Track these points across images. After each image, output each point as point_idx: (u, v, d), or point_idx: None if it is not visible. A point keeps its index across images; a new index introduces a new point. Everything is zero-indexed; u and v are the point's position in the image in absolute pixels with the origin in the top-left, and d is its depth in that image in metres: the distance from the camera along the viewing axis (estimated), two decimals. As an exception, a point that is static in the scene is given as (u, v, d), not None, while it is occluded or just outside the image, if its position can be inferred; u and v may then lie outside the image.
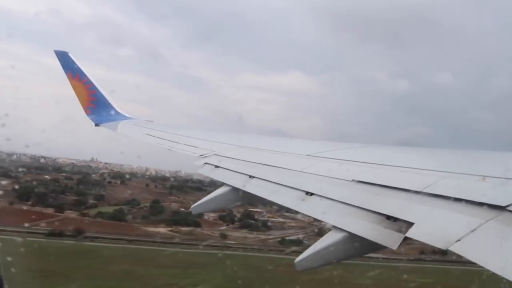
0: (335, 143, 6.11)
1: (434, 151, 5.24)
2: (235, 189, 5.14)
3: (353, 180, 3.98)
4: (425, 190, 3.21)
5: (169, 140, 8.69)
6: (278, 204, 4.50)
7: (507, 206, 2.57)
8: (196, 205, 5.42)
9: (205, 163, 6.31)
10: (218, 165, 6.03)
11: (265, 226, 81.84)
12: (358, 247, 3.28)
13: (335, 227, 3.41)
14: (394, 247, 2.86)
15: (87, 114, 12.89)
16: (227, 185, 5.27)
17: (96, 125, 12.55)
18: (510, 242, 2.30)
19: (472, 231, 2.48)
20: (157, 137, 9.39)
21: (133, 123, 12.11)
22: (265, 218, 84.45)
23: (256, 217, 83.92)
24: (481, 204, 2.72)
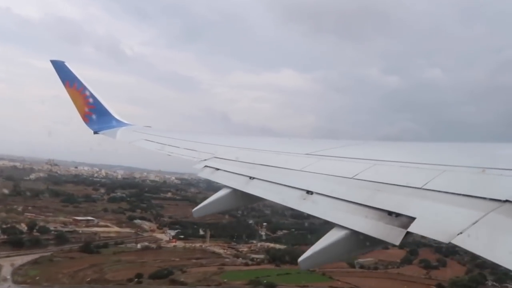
0: (333, 141, 6.11)
1: (432, 145, 5.24)
2: (236, 191, 5.14)
3: (353, 177, 3.98)
4: (425, 185, 3.21)
5: (169, 145, 8.69)
6: (279, 204, 4.50)
7: (508, 197, 2.57)
8: (197, 209, 5.41)
9: (205, 166, 6.31)
10: (218, 167, 6.03)
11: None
12: (361, 244, 3.28)
13: (337, 225, 3.41)
14: (397, 242, 2.86)
15: (86, 122, 12.87)
16: (228, 187, 5.28)
17: (95, 133, 12.53)
18: (511, 233, 2.31)
19: (474, 223, 2.48)
20: (157, 143, 9.40)
21: (132, 129, 12.11)
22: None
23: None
24: (481, 196, 2.73)
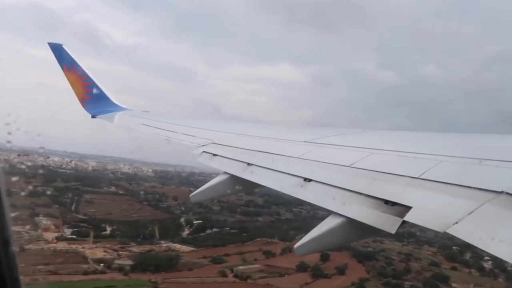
0: (331, 129, 6.12)
1: (430, 135, 5.25)
2: (233, 177, 5.16)
3: (350, 165, 4.00)
4: (422, 175, 3.23)
5: (167, 130, 8.67)
6: (277, 191, 4.52)
7: (504, 189, 2.59)
8: (195, 193, 5.43)
9: (203, 151, 6.31)
10: (216, 153, 6.03)
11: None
12: (357, 232, 3.31)
13: (333, 213, 3.43)
14: (392, 231, 2.89)
15: (83, 106, 12.82)
16: (226, 173, 5.29)
17: (93, 117, 12.48)
18: (506, 224, 2.33)
19: (469, 213, 2.50)
20: (154, 127, 9.36)
21: (130, 114, 12.07)
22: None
23: None
24: (478, 187, 2.75)
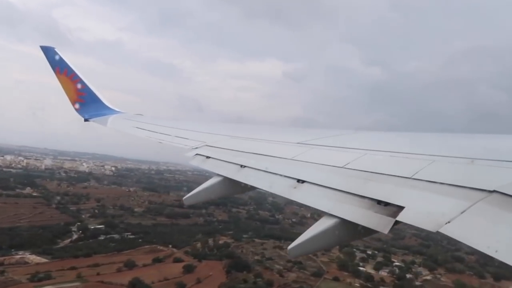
0: (324, 130, 6.13)
1: (422, 135, 5.27)
2: (227, 179, 5.15)
3: (343, 166, 4.00)
4: (414, 175, 3.24)
5: (160, 133, 8.64)
6: (270, 193, 4.50)
7: (495, 188, 2.60)
8: (188, 196, 5.40)
9: (196, 154, 6.29)
10: (209, 155, 6.02)
11: None
12: (350, 232, 3.31)
13: (327, 214, 3.43)
14: (385, 231, 2.89)
15: (76, 109, 12.73)
16: (219, 175, 5.27)
17: (86, 120, 12.41)
18: (498, 223, 2.34)
19: (461, 213, 2.51)
20: (148, 130, 9.33)
21: (123, 117, 12.01)
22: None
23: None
24: (469, 186, 2.76)
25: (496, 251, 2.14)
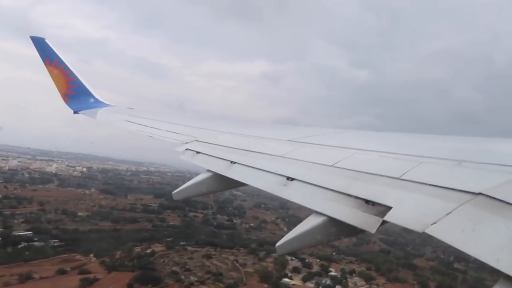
0: (316, 129, 6.16)
1: (412, 136, 5.32)
2: (216, 175, 5.15)
3: (333, 165, 4.03)
4: (402, 175, 3.28)
5: (150, 127, 8.61)
6: (259, 189, 4.52)
7: (481, 190, 2.65)
8: (178, 191, 5.40)
9: (186, 149, 6.29)
10: (199, 151, 6.02)
11: None
12: (338, 231, 3.34)
13: (315, 212, 3.46)
14: (373, 230, 2.93)
15: (65, 101, 12.62)
16: (209, 170, 5.28)
17: (75, 112, 12.31)
18: (483, 224, 2.38)
19: (447, 214, 2.55)
20: (138, 124, 9.29)
21: (113, 110, 11.94)
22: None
23: None
24: (456, 188, 2.80)
25: (478, 253, 2.18)
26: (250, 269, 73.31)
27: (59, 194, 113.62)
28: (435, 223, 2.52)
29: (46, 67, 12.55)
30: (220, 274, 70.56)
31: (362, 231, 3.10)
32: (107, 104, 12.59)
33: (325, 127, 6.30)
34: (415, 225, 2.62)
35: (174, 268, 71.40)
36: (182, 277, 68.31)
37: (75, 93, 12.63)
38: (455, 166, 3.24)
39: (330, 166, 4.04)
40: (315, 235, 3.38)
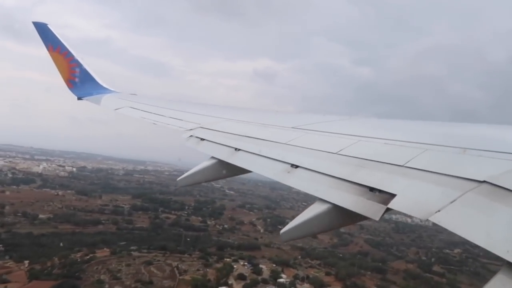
0: (319, 116, 6.14)
1: (416, 123, 5.30)
2: (221, 162, 5.17)
3: (337, 152, 4.03)
4: (407, 163, 3.28)
5: (154, 113, 8.59)
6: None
7: (485, 178, 2.65)
8: (182, 178, 5.43)
9: (191, 136, 6.30)
10: (204, 137, 6.03)
11: None
12: (342, 218, 3.36)
13: (319, 199, 3.47)
14: (377, 218, 2.94)
15: (69, 87, 12.59)
16: (214, 157, 5.29)
17: (79, 98, 12.28)
18: (487, 212, 2.39)
19: (451, 202, 2.56)
20: (142, 110, 9.27)
21: (117, 96, 11.91)
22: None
23: None
24: (460, 176, 2.80)
25: (482, 241, 2.20)
26: (188, 277, 69.46)
27: (29, 195, 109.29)
28: (439, 211, 2.53)
29: (49, 52, 12.48)
30: (151, 282, 66.79)
31: (366, 218, 3.12)
32: (111, 90, 12.54)
33: (329, 114, 6.28)
34: (419, 213, 2.64)
35: (102, 277, 67.28)
36: (106, 286, 64.55)
37: (78, 79, 12.60)
38: (459, 153, 3.24)
39: (334, 153, 4.04)
40: (319, 223, 3.40)
